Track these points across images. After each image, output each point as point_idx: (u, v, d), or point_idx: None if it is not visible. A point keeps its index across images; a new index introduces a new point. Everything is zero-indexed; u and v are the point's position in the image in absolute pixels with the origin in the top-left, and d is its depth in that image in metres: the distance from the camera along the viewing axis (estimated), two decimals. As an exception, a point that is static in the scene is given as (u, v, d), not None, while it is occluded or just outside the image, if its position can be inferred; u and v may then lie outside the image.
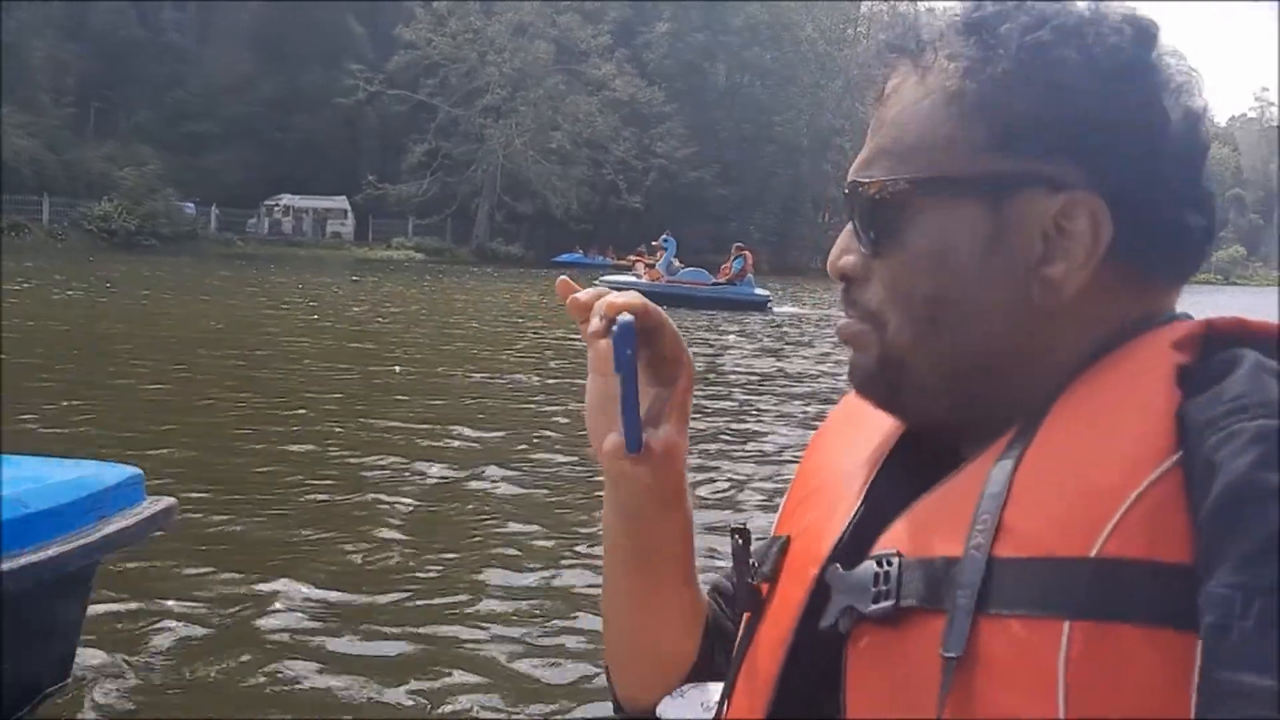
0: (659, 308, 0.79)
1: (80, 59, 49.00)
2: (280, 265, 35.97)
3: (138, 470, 3.21)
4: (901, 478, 0.73)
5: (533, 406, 9.30)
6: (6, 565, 2.60)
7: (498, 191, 54.91)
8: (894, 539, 0.67)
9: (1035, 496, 0.60)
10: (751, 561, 0.79)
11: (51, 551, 2.73)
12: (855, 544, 0.70)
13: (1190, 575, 0.53)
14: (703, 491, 6.24)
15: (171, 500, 3.29)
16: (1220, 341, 0.63)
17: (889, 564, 0.65)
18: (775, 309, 25.84)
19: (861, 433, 0.79)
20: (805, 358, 14.76)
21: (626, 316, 0.73)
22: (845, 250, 0.75)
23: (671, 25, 60.67)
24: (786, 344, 16.95)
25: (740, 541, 0.80)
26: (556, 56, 55.51)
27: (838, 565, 0.69)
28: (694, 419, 0.85)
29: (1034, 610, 0.57)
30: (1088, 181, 0.67)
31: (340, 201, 52.95)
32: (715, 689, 1.09)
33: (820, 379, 12.20)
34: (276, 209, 51.84)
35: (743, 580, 0.79)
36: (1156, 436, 0.58)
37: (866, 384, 0.75)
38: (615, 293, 0.79)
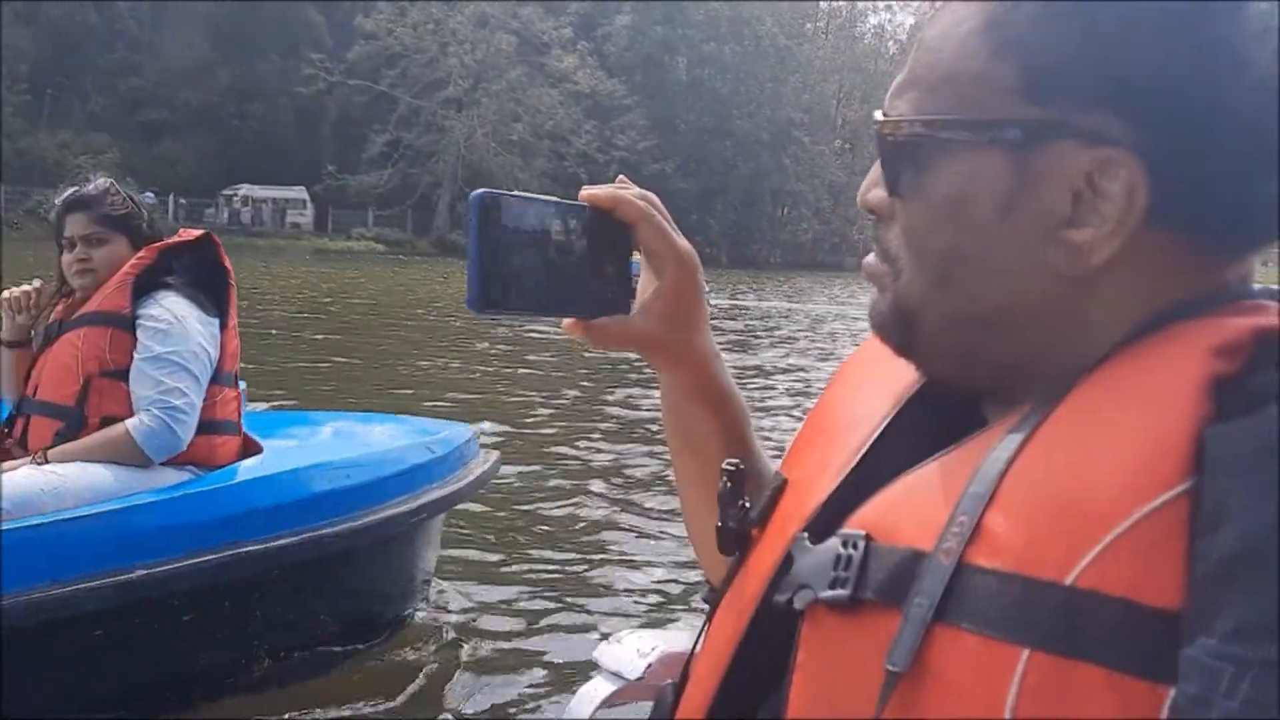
0: (639, 203, 0.78)
1: (34, 45, 48.23)
2: (244, 254, 35.76)
3: (474, 428, 3.68)
4: (916, 433, 0.69)
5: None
6: (402, 507, 3.03)
7: (459, 183, 54.73)
8: (867, 517, 0.63)
9: (1022, 502, 0.55)
10: (744, 503, 0.76)
11: (435, 494, 3.17)
12: (839, 508, 0.66)
13: (1172, 622, 0.48)
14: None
15: (497, 454, 3.71)
16: (1276, 349, 0.55)
17: (854, 547, 0.61)
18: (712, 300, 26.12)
19: (885, 371, 0.74)
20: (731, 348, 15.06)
21: (479, 191, 0.72)
22: (874, 183, 0.70)
23: (632, 18, 60.82)
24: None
25: (728, 484, 0.76)
26: (518, 49, 55.48)
27: (805, 535, 0.67)
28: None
29: (994, 631, 0.52)
30: (1130, 137, 0.59)
31: (299, 192, 52.61)
32: (653, 635, 1.16)
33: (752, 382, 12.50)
34: (235, 199, 51.40)
35: (725, 524, 0.76)
36: (1167, 458, 0.52)
37: (881, 328, 0.71)
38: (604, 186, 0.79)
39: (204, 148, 51.66)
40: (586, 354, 11.33)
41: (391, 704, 2.92)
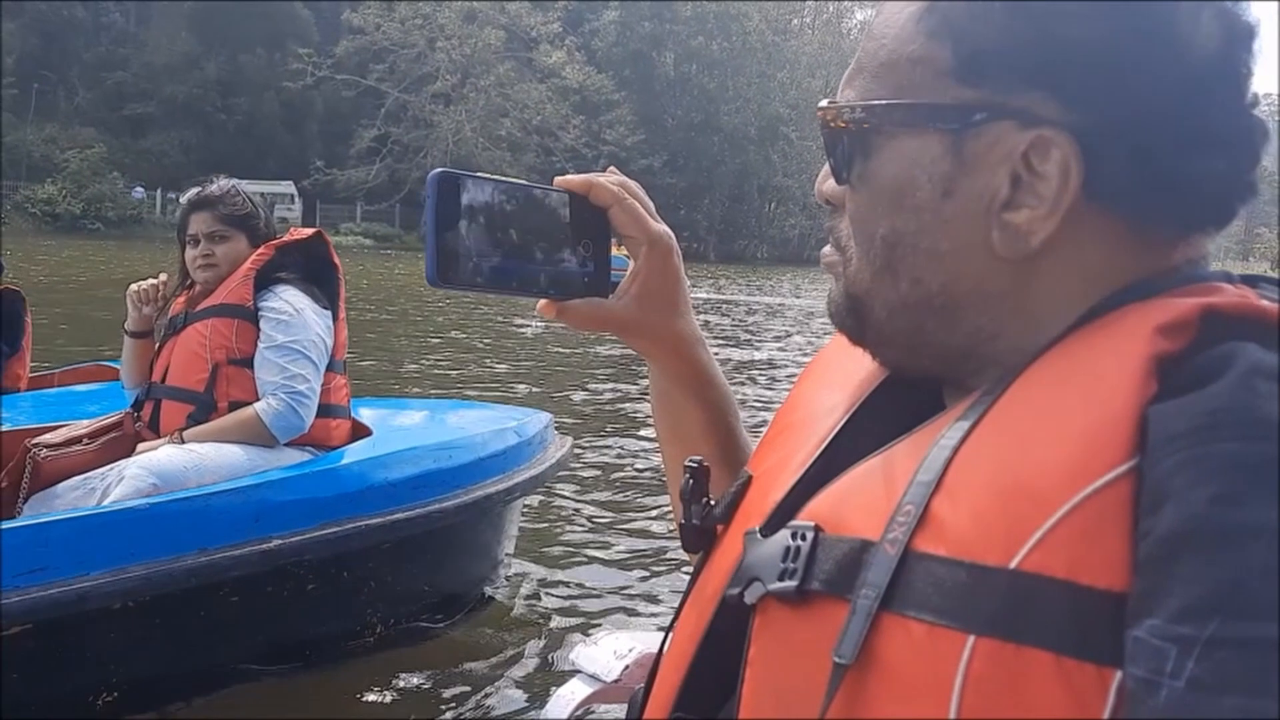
0: (612, 187, 0.79)
1: (19, 39, 48.04)
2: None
3: (549, 415, 3.88)
4: (879, 424, 0.68)
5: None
6: (498, 486, 3.23)
7: (447, 177, 54.79)
8: (818, 509, 0.63)
9: (968, 488, 0.55)
10: (708, 500, 0.76)
11: (524, 475, 3.38)
12: (799, 502, 0.66)
13: (1118, 604, 0.48)
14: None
15: (570, 439, 3.91)
16: (1223, 327, 0.54)
17: (802, 539, 0.61)
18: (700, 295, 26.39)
19: (851, 365, 0.75)
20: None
21: (436, 170, 0.73)
22: (828, 174, 0.70)
23: (620, 14, 60.99)
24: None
25: (691, 480, 0.76)
26: (506, 44, 55.59)
27: (757, 529, 0.67)
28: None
29: (939, 618, 0.52)
30: (1064, 117, 0.59)
31: (287, 186, 52.56)
32: (630, 637, 1.16)
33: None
34: (222, 193, 51.35)
35: (688, 521, 0.75)
36: (1109, 439, 0.51)
37: (835, 317, 0.72)
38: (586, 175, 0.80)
39: (190, 142, 51.67)
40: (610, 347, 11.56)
41: (481, 672, 3.09)
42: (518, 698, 2.94)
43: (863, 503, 0.60)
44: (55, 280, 17.43)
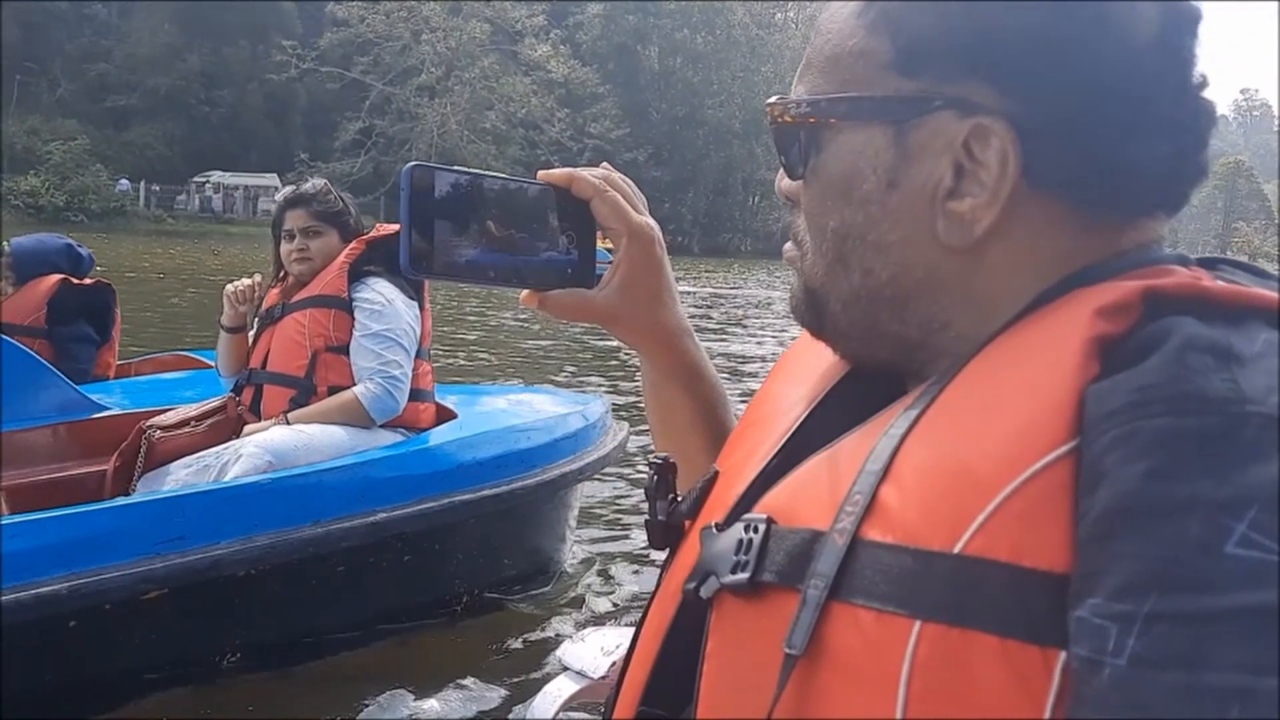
0: (593, 179, 0.79)
1: (0, 30, 47.77)
2: (218, 241, 35.77)
3: (608, 401, 4.09)
4: (843, 417, 0.67)
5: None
6: (571, 466, 3.43)
7: (431, 171, 54.83)
8: (772, 501, 0.63)
9: (913, 475, 0.55)
10: (674, 495, 0.76)
11: (593, 456, 3.60)
12: (758, 496, 0.66)
13: (1060, 585, 0.48)
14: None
15: (626, 424, 4.08)
16: (1166, 308, 0.54)
17: (754, 531, 0.61)
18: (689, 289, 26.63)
19: (817, 359, 0.75)
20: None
21: (410, 164, 0.74)
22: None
23: (604, 7, 61.09)
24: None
25: (655, 477, 0.76)
26: (491, 37, 55.63)
27: (714, 524, 0.67)
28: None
29: (886, 605, 0.52)
30: (1001, 105, 0.59)
31: (271, 179, 52.47)
32: (617, 633, 1.16)
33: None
34: (207, 186, 51.29)
35: (653, 518, 0.75)
36: (1050, 421, 0.51)
37: (796, 311, 0.72)
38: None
39: (173, 134, 51.55)
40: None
41: (471, 669, 3.01)
42: (504, 695, 2.89)
43: (814, 494, 0.60)
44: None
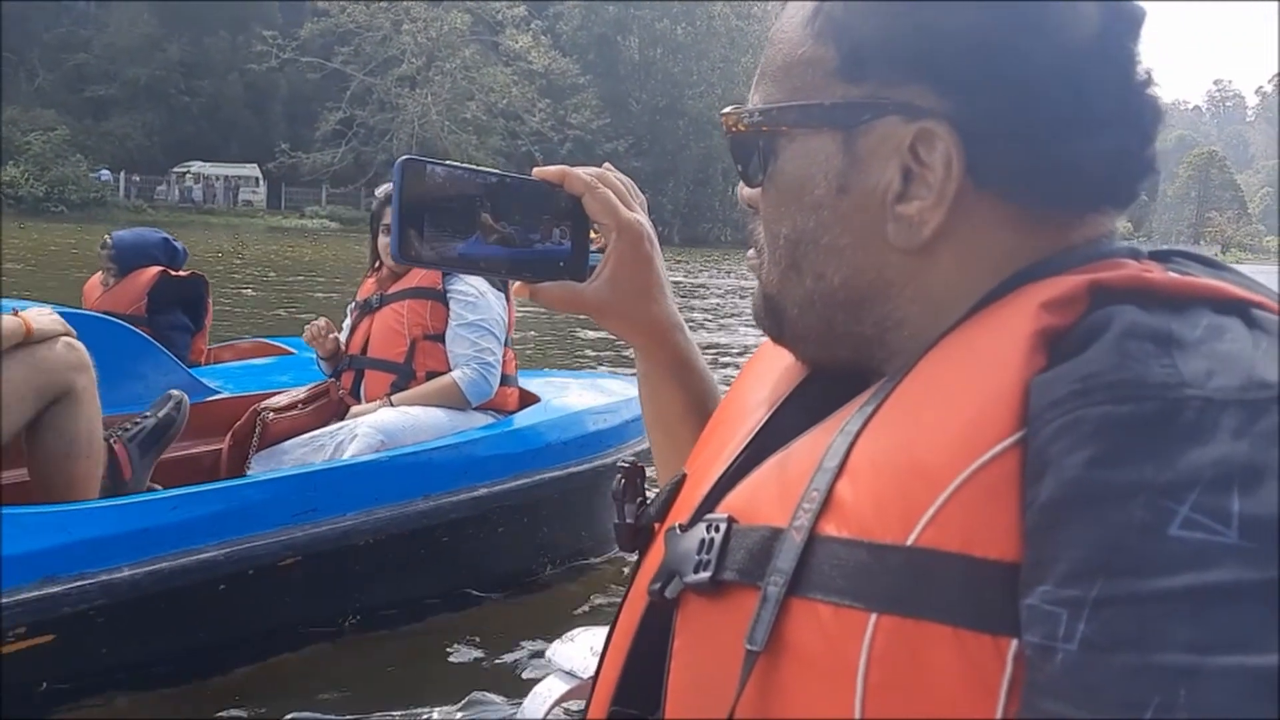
0: (585, 176, 0.80)
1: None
2: (199, 231, 35.67)
3: None
4: (807, 416, 0.67)
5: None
6: (643, 445, 3.49)
7: (413, 161, 54.83)
8: (733, 501, 0.64)
9: (867, 470, 0.55)
10: (643, 499, 0.77)
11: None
12: (722, 496, 0.67)
13: (1011, 574, 0.48)
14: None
15: None
16: (1111, 300, 0.53)
17: (716, 530, 0.62)
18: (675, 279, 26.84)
19: (784, 358, 0.76)
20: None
21: (403, 157, 0.76)
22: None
23: (585, -4, 61.22)
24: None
25: (623, 481, 0.77)
26: (472, 27, 55.62)
27: (678, 525, 0.68)
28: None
29: (844, 598, 0.52)
30: (943, 108, 0.60)
31: (251, 169, 52.42)
32: (605, 632, 1.29)
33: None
34: (187, 176, 51.10)
35: (621, 520, 0.77)
36: (996, 413, 0.51)
37: (756, 317, 0.73)
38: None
39: (153, 124, 51.30)
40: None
41: (462, 666, 2.98)
42: (494, 694, 2.82)
43: (773, 492, 0.61)
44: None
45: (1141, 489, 0.45)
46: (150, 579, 2.52)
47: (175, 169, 50.87)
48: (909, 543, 0.51)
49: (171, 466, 3.29)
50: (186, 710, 2.58)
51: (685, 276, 24.81)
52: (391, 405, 3.29)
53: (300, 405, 3.36)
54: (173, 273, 3.80)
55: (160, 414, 3.03)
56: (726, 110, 0.70)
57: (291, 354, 4.22)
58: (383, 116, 54.93)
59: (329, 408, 3.40)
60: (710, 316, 15.18)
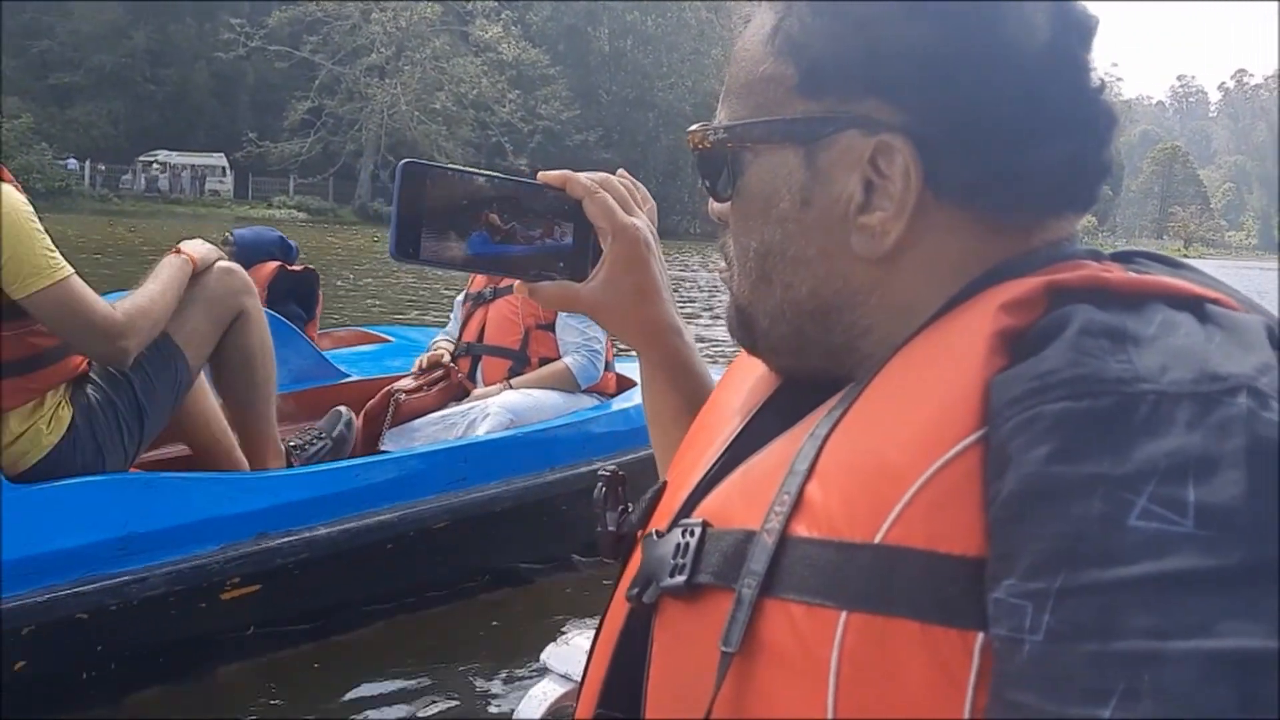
0: (585, 181, 0.83)
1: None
2: (165, 222, 35.53)
3: None
4: (781, 421, 0.67)
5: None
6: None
7: (382, 151, 54.78)
8: (709, 506, 0.65)
9: (836, 471, 0.57)
10: (624, 506, 0.79)
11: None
12: (699, 502, 0.67)
13: (975, 569, 0.49)
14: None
15: None
16: (1068, 300, 0.54)
17: (690, 534, 0.63)
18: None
19: (760, 366, 0.76)
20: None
21: (405, 160, 0.78)
22: None
23: (554, -12, 61.29)
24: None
25: (605, 489, 0.79)
26: (442, 17, 55.56)
27: (654, 531, 0.68)
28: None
29: (815, 598, 0.53)
30: (901, 121, 0.61)
31: (218, 159, 52.10)
32: None
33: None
34: (153, 165, 50.69)
35: (603, 528, 0.78)
36: (957, 411, 0.52)
37: (730, 329, 0.74)
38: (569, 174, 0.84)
39: (119, 112, 50.87)
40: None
41: (459, 666, 2.99)
42: (490, 696, 2.86)
43: (746, 496, 0.62)
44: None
45: (1100, 482, 0.46)
46: (341, 536, 2.87)
47: (141, 158, 50.44)
48: (877, 541, 0.52)
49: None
50: (178, 711, 2.62)
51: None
52: (511, 388, 3.65)
53: (424, 388, 3.71)
54: (288, 267, 4.11)
55: (334, 434, 3.38)
56: (692, 128, 0.73)
57: (391, 342, 4.57)
58: (351, 106, 54.70)
59: (449, 390, 3.76)
60: (703, 310, 15.48)
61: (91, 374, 2.65)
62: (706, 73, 63.71)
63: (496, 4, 57.04)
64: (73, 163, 45.43)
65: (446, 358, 3.83)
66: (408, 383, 3.71)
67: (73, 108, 50.30)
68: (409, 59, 54.90)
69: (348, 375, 3.90)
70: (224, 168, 52.61)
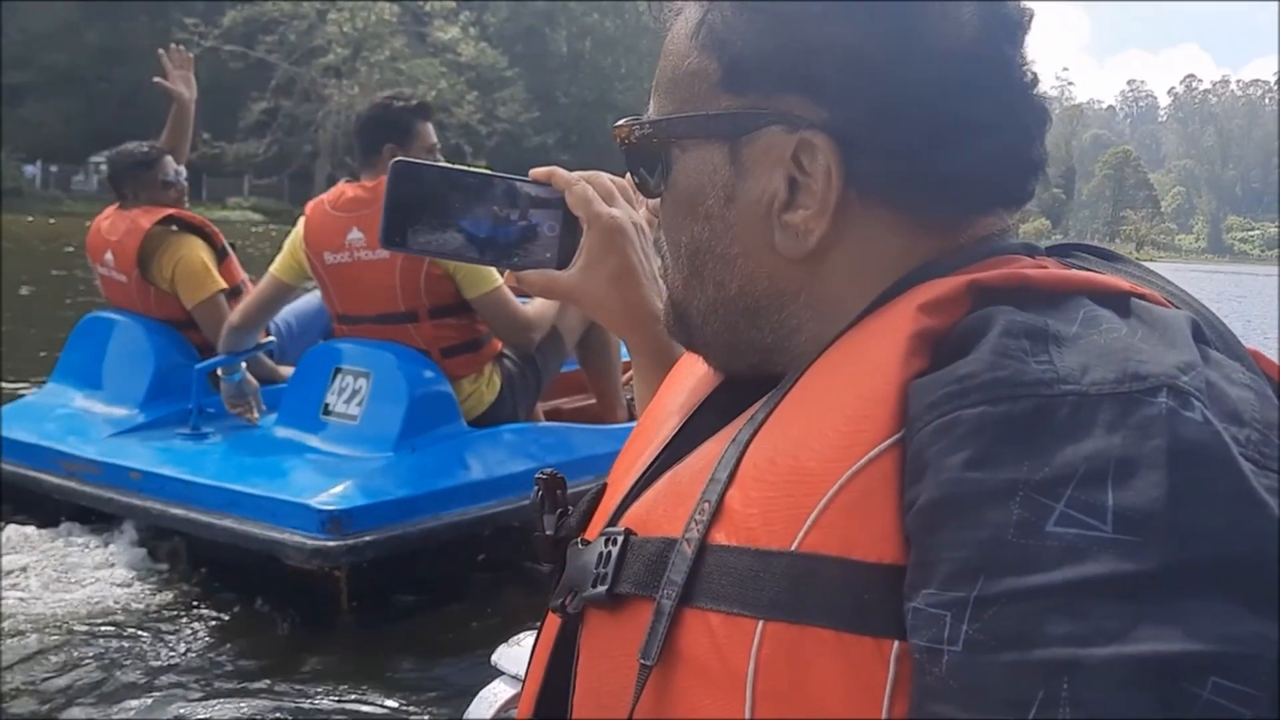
0: (568, 175, 0.84)
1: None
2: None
3: None
4: (719, 423, 0.66)
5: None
6: None
7: (338, 153, 54.33)
8: (634, 513, 0.64)
9: (755, 479, 0.56)
10: (564, 509, 0.76)
11: None
12: (628, 508, 0.67)
13: (891, 576, 0.48)
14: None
15: None
16: (990, 299, 0.54)
17: (613, 543, 0.62)
18: None
19: (701, 366, 0.75)
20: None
21: (396, 159, 0.80)
22: None
23: (512, -11, 61.10)
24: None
25: (541, 493, 0.76)
26: (400, 18, 55.22)
27: (579, 539, 0.68)
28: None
29: (733, 607, 0.53)
30: (821, 118, 0.60)
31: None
32: None
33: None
34: (105, 165, 49.96)
35: (540, 532, 0.75)
36: (874, 416, 0.52)
37: (667, 326, 0.74)
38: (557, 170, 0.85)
39: (71, 111, 50.14)
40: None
41: (407, 670, 3.06)
42: (440, 699, 2.85)
43: (669, 504, 0.62)
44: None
45: (1018, 488, 0.45)
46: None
47: (93, 158, 49.73)
48: (793, 548, 0.52)
49: (571, 415, 4.39)
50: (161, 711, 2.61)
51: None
52: None
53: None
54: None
55: None
56: (619, 123, 0.72)
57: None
58: (308, 107, 54.28)
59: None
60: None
61: (505, 352, 3.75)
62: (665, 75, 63.63)
63: (455, 4, 56.73)
64: (30, 169, 44.69)
65: None
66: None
67: (23, 106, 49.48)
68: (365, 60, 54.53)
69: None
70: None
